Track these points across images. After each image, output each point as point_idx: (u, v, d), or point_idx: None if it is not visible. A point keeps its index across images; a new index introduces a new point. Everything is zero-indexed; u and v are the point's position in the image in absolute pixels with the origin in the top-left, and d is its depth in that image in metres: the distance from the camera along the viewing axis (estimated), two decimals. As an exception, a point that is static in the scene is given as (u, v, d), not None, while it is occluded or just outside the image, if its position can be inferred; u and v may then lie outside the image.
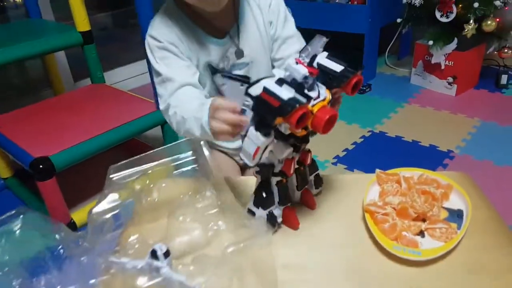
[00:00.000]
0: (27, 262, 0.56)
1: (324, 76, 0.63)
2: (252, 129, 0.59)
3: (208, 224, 0.58)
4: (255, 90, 0.58)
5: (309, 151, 0.70)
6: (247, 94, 0.59)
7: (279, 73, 0.62)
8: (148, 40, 0.85)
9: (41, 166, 1.39)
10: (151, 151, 0.69)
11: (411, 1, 2.35)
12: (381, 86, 2.65)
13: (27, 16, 2.19)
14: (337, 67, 0.63)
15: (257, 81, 0.59)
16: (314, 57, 0.63)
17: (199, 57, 0.87)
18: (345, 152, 1.97)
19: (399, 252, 0.62)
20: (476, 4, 2.17)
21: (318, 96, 0.60)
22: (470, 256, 0.64)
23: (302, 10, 2.77)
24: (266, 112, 0.57)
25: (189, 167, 0.68)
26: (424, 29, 2.46)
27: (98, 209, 0.60)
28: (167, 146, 0.70)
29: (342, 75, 0.63)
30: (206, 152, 0.64)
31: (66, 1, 1.85)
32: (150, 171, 0.65)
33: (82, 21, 1.87)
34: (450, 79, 2.45)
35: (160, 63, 0.84)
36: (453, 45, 2.33)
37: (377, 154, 1.96)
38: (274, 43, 0.90)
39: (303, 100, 0.56)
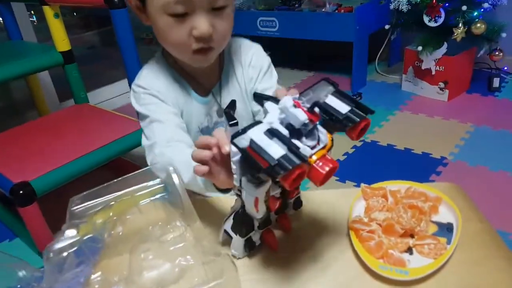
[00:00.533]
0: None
1: (326, 116, 0.54)
2: (244, 180, 0.52)
3: (176, 260, 0.53)
4: (242, 141, 0.50)
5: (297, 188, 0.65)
6: (233, 143, 0.50)
7: (272, 110, 0.54)
8: (134, 89, 0.83)
9: (21, 192, 1.34)
10: (117, 179, 0.63)
11: (399, 7, 2.33)
12: (372, 94, 2.62)
13: (8, 38, 2.16)
14: (343, 108, 0.53)
15: (245, 129, 0.50)
16: (315, 103, 0.54)
17: (184, 110, 0.85)
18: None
19: (385, 272, 0.57)
20: (464, 7, 2.15)
21: (318, 143, 0.52)
22: (462, 272, 0.59)
23: (290, 20, 2.76)
24: (254, 169, 0.50)
25: (157, 196, 0.62)
26: (413, 34, 2.45)
27: (55, 246, 0.54)
28: (134, 173, 0.65)
29: (348, 118, 0.52)
30: (175, 179, 0.59)
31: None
32: (113, 202, 0.60)
33: (61, 41, 1.84)
34: (442, 84, 2.42)
35: (147, 107, 0.80)
36: (443, 49, 2.31)
37: (369, 164, 1.92)
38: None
39: (297, 161, 0.46)
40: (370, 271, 0.60)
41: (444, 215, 0.69)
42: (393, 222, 0.63)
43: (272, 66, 0.91)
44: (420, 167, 1.83)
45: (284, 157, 0.46)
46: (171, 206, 0.60)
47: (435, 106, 2.39)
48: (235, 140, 0.50)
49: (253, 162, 0.48)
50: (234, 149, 0.51)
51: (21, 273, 0.59)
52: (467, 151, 1.93)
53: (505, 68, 2.59)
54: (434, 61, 2.38)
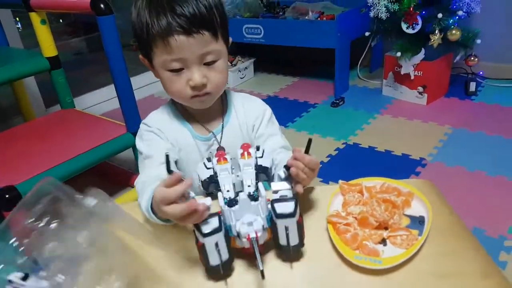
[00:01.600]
0: None
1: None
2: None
3: None
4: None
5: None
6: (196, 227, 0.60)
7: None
8: (140, 126, 0.94)
9: (7, 196, 1.35)
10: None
11: (378, 15, 2.41)
12: (354, 99, 2.69)
13: (-7, 44, 2.16)
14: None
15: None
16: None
17: (183, 148, 0.93)
18: (320, 165, 1.97)
19: (360, 262, 0.61)
20: (440, 15, 2.23)
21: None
22: (433, 262, 0.64)
23: (274, 28, 2.82)
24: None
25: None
26: (393, 41, 2.52)
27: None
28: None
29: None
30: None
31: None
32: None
33: (48, 47, 1.86)
34: (421, 89, 2.50)
35: (144, 144, 0.90)
36: (421, 55, 2.39)
37: (351, 165, 1.97)
38: (258, 139, 0.96)
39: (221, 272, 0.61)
40: (348, 262, 0.64)
41: (416, 209, 0.73)
42: (368, 215, 0.68)
43: (273, 116, 0.99)
44: (400, 167, 1.89)
45: (213, 267, 0.61)
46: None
47: (414, 110, 2.47)
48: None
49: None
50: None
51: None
52: (445, 152, 2.00)
53: (481, 73, 2.69)
54: (413, 66, 2.45)
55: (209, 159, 0.76)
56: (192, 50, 0.78)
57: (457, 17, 2.27)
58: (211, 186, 0.72)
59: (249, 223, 0.59)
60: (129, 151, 1.80)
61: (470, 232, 0.71)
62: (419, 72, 2.46)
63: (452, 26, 2.26)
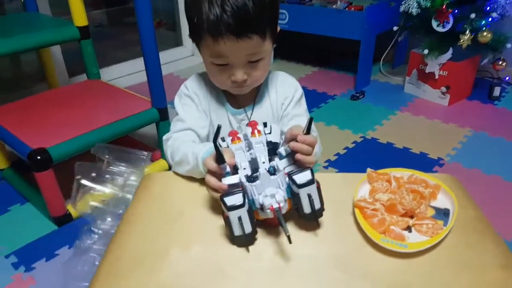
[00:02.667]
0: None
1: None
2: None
3: None
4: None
5: None
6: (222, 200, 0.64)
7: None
8: (181, 87, 0.99)
9: (38, 157, 1.40)
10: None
11: (408, 10, 2.39)
12: (375, 94, 2.69)
13: (24, 10, 2.20)
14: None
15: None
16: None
17: (214, 118, 0.98)
18: (336, 157, 2.00)
19: (386, 244, 0.64)
20: (473, 15, 2.21)
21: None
22: (454, 251, 0.66)
23: (300, 14, 2.80)
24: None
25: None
26: (420, 38, 2.51)
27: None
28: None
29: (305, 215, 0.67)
30: None
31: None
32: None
33: (80, 16, 1.89)
34: (444, 89, 2.49)
35: (182, 106, 0.97)
36: (448, 55, 2.37)
37: (367, 159, 1.99)
38: (283, 119, 0.99)
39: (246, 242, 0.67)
40: (372, 244, 0.67)
41: (442, 201, 0.76)
42: (396, 202, 0.70)
43: (303, 97, 1.02)
44: (417, 165, 1.89)
45: (237, 237, 0.66)
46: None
47: (435, 110, 2.46)
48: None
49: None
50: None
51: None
52: (463, 154, 2.00)
53: (507, 78, 2.66)
54: (439, 65, 2.44)
55: (223, 139, 0.78)
56: (238, 53, 0.81)
57: (490, 19, 2.25)
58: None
59: (271, 195, 0.63)
60: (152, 126, 1.84)
61: (491, 226, 0.73)
62: (444, 72, 2.45)
63: (484, 28, 2.24)
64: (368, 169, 0.81)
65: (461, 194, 0.79)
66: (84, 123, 1.62)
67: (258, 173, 0.66)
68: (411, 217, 0.72)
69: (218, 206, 0.73)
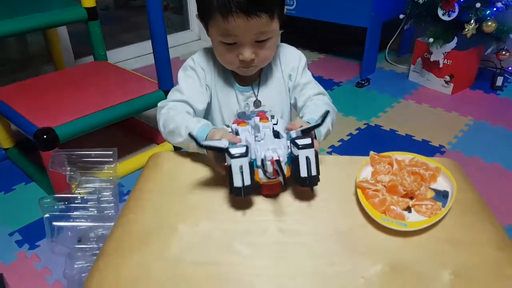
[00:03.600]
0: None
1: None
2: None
3: None
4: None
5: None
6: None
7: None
8: (187, 60, 0.99)
9: (45, 137, 1.43)
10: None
11: (415, -2, 2.39)
12: (380, 81, 2.69)
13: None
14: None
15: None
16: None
17: (219, 94, 0.99)
18: (340, 143, 2.02)
19: (386, 223, 0.67)
20: (478, 4, 2.21)
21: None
22: (452, 231, 0.69)
23: (307, 0, 2.79)
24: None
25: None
26: (426, 26, 2.50)
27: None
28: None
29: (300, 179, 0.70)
30: None
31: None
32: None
33: (87, -3, 1.89)
34: (447, 78, 2.50)
35: (183, 78, 0.97)
36: (453, 44, 2.37)
37: (371, 145, 2.01)
38: (294, 90, 1.02)
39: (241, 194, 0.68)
40: (372, 223, 0.69)
41: (441, 184, 0.78)
42: (397, 183, 0.73)
43: (306, 64, 1.04)
44: (418, 152, 1.85)
45: (237, 188, 0.68)
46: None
47: (439, 98, 2.48)
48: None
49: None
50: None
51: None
52: (465, 142, 2.02)
53: (510, 68, 2.66)
54: (443, 54, 2.45)
55: (227, 126, 0.82)
56: (247, 31, 0.82)
57: (494, 9, 2.25)
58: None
59: (273, 149, 0.68)
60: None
61: (488, 208, 0.75)
62: (449, 60, 2.45)
63: (489, 18, 2.24)
64: (371, 152, 0.83)
65: (460, 178, 0.81)
66: (91, 104, 1.64)
67: (261, 132, 0.72)
68: (411, 198, 0.74)
69: (225, 183, 0.76)
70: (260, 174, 0.70)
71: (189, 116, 0.91)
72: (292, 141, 0.69)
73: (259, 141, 0.73)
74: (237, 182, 0.68)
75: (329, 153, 1.92)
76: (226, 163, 0.69)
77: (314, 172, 0.69)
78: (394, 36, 2.92)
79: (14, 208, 1.66)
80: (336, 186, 0.80)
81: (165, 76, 1.75)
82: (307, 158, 0.68)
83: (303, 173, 0.69)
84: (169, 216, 0.72)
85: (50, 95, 1.72)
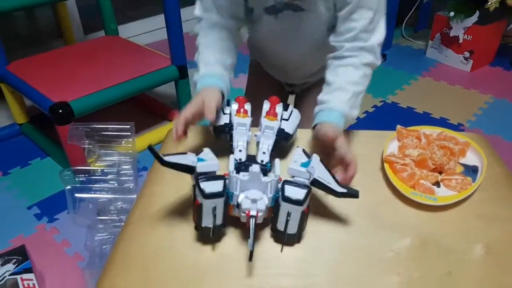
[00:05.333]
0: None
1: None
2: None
3: None
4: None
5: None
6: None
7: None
8: None
9: (60, 111, 1.42)
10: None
11: (435, -29, 2.30)
12: (396, 58, 2.63)
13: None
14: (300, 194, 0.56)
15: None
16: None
17: None
18: (356, 121, 1.97)
19: (416, 197, 0.65)
20: (501, -23, 2.13)
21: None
22: (482, 205, 0.67)
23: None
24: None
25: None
26: (444, 1, 2.42)
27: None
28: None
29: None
30: None
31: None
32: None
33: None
34: (467, 54, 2.43)
35: (203, 3, 0.86)
36: (474, 18, 2.30)
37: (388, 123, 1.97)
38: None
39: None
40: (400, 197, 0.68)
41: (471, 158, 0.76)
42: (427, 157, 0.70)
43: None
44: None
45: (205, 228, 0.57)
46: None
47: (457, 75, 2.41)
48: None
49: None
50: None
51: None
52: (484, 120, 1.98)
53: (532, 44, 2.59)
54: (463, 29, 2.37)
55: (228, 102, 0.74)
56: None
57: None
58: (223, 135, 0.71)
59: (253, 200, 0.54)
60: (170, 85, 1.83)
61: (518, 184, 0.73)
62: (469, 36, 2.38)
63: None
64: (398, 126, 0.81)
65: (488, 152, 0.79)
66: (105, 79, 1.62)
67: (250, 167, 0.55)
68: (440, 172, 0.72)
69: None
70: (234, 210, 0.57)
71: (207, 48, 0.82)
72: (282, 186, 0.56)
73: (244, 169, 0.60)
74: (207, 222, 0.56)
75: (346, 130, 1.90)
76: (195, 199, 0.56)
77: (292, 230, 0.57)
78: (412, 11, 2.84)
79: (31, 182, 1.67)
80: (361, 160, 0.77)
81: (178, 51, 1.72)
82: (288, 214, 0.55)
83: (279, 225, 0.57)
84: (189, 188, 0.71)
85: (63, 70, 1.71)
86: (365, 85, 0.83)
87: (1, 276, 1.15)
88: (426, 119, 1.99)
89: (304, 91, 1.10)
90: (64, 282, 1.25)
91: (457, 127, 1.91)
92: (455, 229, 0.63)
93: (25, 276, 1.16)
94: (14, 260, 1.20)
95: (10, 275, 1.16)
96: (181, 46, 1.73)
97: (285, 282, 0.56)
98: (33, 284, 1.15)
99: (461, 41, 2.40)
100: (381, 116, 2.04)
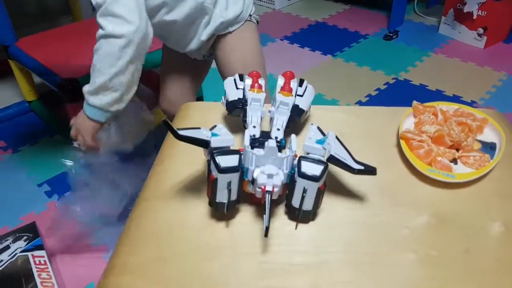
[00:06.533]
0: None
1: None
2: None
3: None
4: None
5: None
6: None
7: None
8: None
9: (70, 87, 1.41)
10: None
11: None
12: (408, 34, 2.58)
13: None
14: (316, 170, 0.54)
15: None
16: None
17: None
18: (367, 98, 1.96)
19: (433, 174, 0.63)
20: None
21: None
22: (501, 183, 0.65)
23: None
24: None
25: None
26: (459, -25, 2.36)
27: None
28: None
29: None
30: None
31: None
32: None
33: None
34: (481, 30, 2.37)
35: None
36: (489, -7, 2.24)
37: (400, 101, 1.95)
38: None
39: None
40: (416, 174, 0.66)
41: (488, 135, 0.74)
42: (444, 133, 0.69)
43: None
44: None
45: (219, 203, 0.56)
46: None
47: (471, 52, 2.37)
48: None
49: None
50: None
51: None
52: (498, 98, 1.94)
53: (549, 20, 2.52)
54: (478, 5, 2.31)
55: (241, 77, 0.72)
56: None
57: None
58: (236, 110, 0.69)
59: (269, 175, 0.52)
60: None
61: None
62: (483, 12, 2.32)
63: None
64: (414, 102, 0.79)
65: (506, 129, 0.77)
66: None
67: (266, 142, 0.54)
68: (457, 149, 0.70)
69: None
70: (249, 186, 0.56)
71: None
72: (299, 161, 0.54)
73: (258, 146, 0.58)
74: (221, 198, 0.55)
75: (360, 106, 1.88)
76: (210, 174, 0.54)
77: (308, 207, 0.56)
78: (425, -14, 2.78)
79: (41, 160, 1.68)
80: (376, 137, 0.76)
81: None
82: (304, 190, 0.54)
83: (295, 202, 0.56)
84: (202, 164, 0.70)
85: (72, 46, 1.70)
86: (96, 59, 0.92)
87: (13, 253, 1.16)
88: (439, 97, 1.96)
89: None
90: (75, 258, 1.27)
91: (470, 104, 1.88)
92: (473, 207, 0.62)
93: (36, 253, 1.18)
94: (25, 237, 1.22)
95: (21, 252, 1.17)
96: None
97: (298, 258, 0.55)
98: (44, 261, 1.17)
99: (475, 17, 2.35)
100: (393, 94, 2.01)
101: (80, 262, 1.26)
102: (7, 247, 1.18)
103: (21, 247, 1.19)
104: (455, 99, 1.93)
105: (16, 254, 1.17)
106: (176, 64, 1.23)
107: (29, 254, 1.17)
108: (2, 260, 1.15)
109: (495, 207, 0.62)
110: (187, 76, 1.27)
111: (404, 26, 2.67)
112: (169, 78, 1.21)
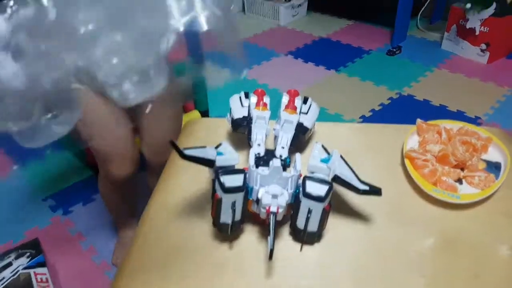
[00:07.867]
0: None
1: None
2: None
3: None
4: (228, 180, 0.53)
5: None
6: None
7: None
8: None
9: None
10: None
11: (452, -39, 2.25)
12: (411, 49, 2.59)
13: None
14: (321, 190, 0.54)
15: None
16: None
17: None
18: (371, 113, 1.96)
19: (438, 195, 0.63)
20: (521, -33, 2.08)
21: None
22: (505, 203, 0.65)
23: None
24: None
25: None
26: (461, -8, 2.38)
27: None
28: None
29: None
30: None
31: None
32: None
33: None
34: (483, 46, 2.38)
35: None
36: (491, 10, 2.25)
37: (403, 116, 1.95)
38: None
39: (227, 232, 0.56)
40: (421, 194, 0.66)
41: (493, 154, 0.74)
42: (449, 153, 0.69)
43: None
44: None
45: (223, 224, 0.55)
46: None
47: (474, 67, 2.37)
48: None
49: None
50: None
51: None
52: (502, 114, 1.94)
53: (552, 36, 2.52)
54: (480, 21, 2.32)
55: (246, 95, 0.73)
56: None
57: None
58: (241, 128, 0.69)
59: (274, 195, 0.52)
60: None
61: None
62: (485, 28, 2.33)
63: (533, -19, 2.10)
64: (418, 120, 0.79)
65: (510, 148, 0.77)
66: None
67: (271, 162, 0.55)
68: (462, 169, 0.70)
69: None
70: (253, 206, 0.56)
71: None
72: (304, 181, 0.54)
73: (263, 164, 0.57)
74: (225, 218, 0.55)
75: (360, 123, 1.88)
76: (215, 193, 0.54)
77: (313, 228, 0.55)
78: (427, 2, 2.79)
79: (46, 175, 1.68)
80: (380, 155, 0.76)
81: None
82: (309, 211, 0.54)
83: (299, 223, 0.55)
84: (207, 182, 0.70)
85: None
86: None
87: (15, 270, 1.16)
88: (443, 112, 1.96)
89: None
90: (78, 276, 1.26)
91: (474, 120, 1.88)
92: (480, 228, 0.62)
93: (38, 270, 1.17)
94: (28, 253, 1.21)
95: (23, 269, 1.17)
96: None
97: (304, 282, 0.55)
98: (46, 278, 1.16)
99: (477, 33, 2.36)
100: (397, 109, 2.01)
101: (82, 279, 1.25)
102: (10, 264, 1.18)
103: (23, 264, 1.18)
104: (459, 114, 1.93)
105: (18, 271, 1.16)
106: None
107: (31, 271, 1.17)
108: (4, 278, 1.14)
109: (502, 228, 0.62)
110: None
111: (407, 42, 2.69)
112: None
